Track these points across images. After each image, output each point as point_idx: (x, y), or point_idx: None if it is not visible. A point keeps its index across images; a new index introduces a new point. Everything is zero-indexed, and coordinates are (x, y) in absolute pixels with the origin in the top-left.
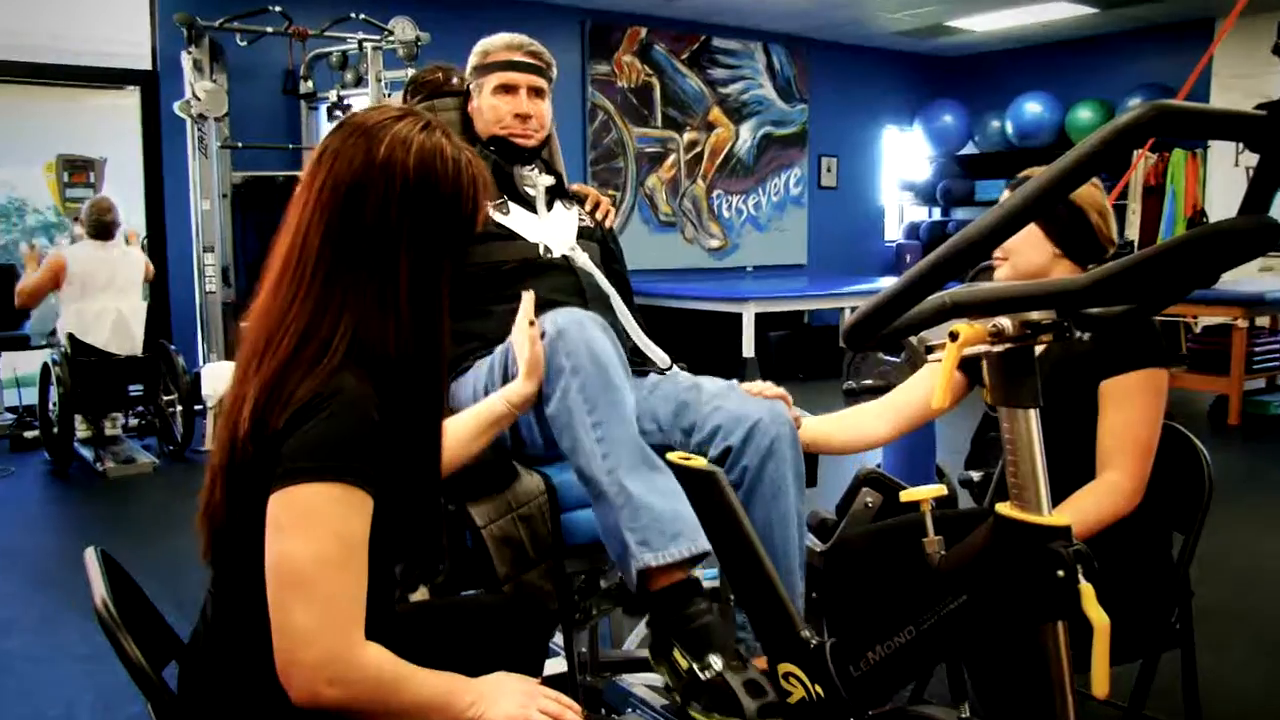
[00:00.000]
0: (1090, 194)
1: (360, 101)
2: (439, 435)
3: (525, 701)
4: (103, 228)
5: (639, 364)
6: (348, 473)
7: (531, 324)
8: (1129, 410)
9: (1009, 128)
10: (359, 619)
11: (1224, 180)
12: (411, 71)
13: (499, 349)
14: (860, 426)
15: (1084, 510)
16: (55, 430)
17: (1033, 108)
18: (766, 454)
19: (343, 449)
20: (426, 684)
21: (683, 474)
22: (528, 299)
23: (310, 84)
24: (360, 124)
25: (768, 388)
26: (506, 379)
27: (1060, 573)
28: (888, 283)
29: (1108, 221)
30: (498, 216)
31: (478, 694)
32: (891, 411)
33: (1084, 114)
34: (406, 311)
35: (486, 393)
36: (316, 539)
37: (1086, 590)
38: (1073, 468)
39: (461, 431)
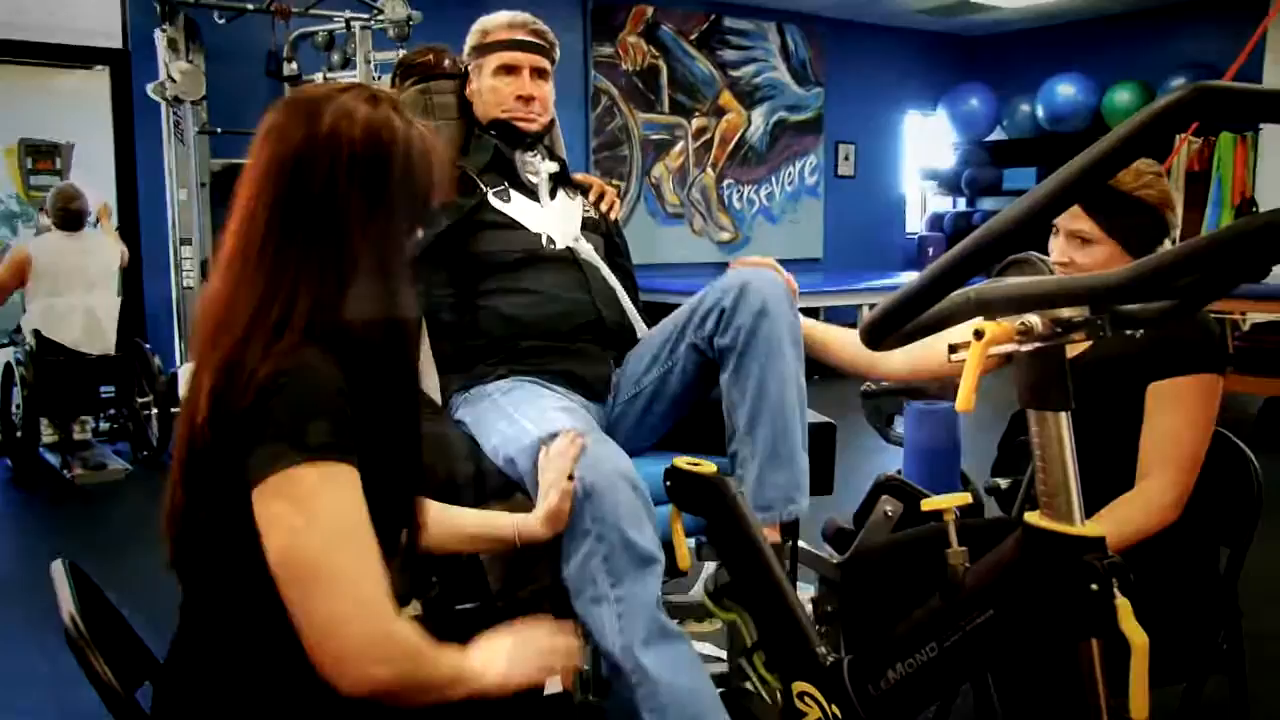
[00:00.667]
0: (1162, 189)
1: None
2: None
3: (525, 652)
4: (70, 217)
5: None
6: (327, 449)
7: (570, 478)
8: (1176, 416)
9: (1040, 112)
10: (386, 591)
11: (1276, 166)
12: (403, 53)
13: (531, 437)
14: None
15: (1120, 521)
16: (18, 435)
17: (1065, 90)
18: (759, 312)
19: (316, 426)
20: (448, 656)
21: (689, 480)
22: (570, 446)
23: (294, 66)
24: (303, 97)
25: (755, 259)
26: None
27: (1094, 586)
28: (909, 278)
29: (1176, 216)
30: (499, 204)
31: (484, 660)
32: (910, 351)
33: (1122, 97)
34: (365, 286)
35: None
36: (316, 521)
37: (1123, 606)
38: (1114, 474)
39: (462, 527)
